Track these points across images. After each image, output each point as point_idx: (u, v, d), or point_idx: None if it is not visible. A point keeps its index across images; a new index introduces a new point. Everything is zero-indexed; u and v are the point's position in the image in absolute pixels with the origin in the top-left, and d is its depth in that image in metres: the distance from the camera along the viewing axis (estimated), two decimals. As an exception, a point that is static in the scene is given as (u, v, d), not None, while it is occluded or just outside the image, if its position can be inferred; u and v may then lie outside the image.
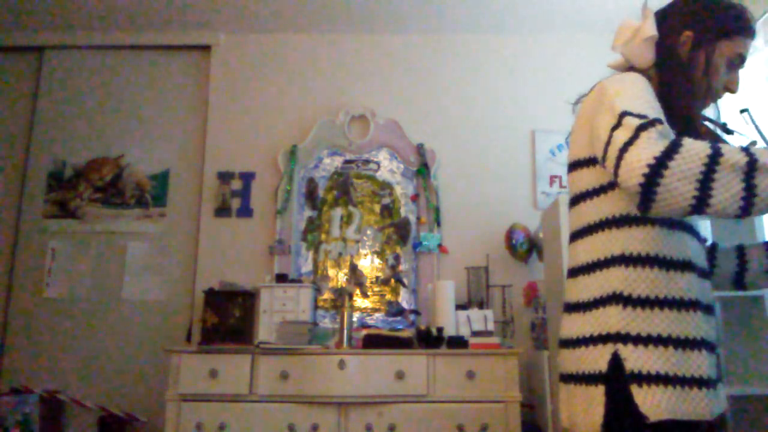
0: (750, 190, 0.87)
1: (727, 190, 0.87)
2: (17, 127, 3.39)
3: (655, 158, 0.88)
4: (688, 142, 0.90)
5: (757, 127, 1.19)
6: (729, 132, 1.18)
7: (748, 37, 1.15)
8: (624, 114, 0.97)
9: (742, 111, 1.25)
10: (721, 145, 0.90)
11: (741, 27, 1.14)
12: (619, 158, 0.93)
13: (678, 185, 0.87)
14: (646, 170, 0.88)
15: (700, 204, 0.88)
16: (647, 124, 0.93)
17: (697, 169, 0.87)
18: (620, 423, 0.96)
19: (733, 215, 0.88)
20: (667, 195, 0.88)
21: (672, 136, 0.94)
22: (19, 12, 3.24)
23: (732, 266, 1.27)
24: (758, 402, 2.47)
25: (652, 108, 1.00)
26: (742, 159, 0.88)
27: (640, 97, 1.02)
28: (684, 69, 1.13)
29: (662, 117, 1.00)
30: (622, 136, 0.94)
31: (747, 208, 0.88)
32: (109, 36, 3.44)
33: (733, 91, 1.17)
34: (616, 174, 0.94)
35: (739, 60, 1.15)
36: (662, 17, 1.19)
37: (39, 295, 3.14)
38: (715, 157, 0.88)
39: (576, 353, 1.05)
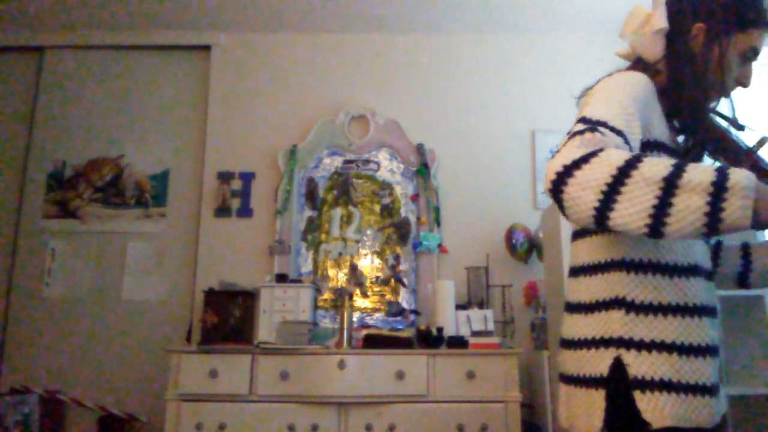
0: (662, 209, 0.78)
1: (633, 204, 0.80)
2: (17, 127, 3.39)
3: (564, 166, 0.86)
4: (606, 152, 0.84)
5: None
6: (740, 128, 1.13)
7: (764, 29, 1.09)
8: (580, 120, 0.95)
9: None
10: (645, 158, 0.83)
11: (757, 19, 1.08)
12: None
13: (581, 194, 0.83)
14: (554, 177, 0.86)
15: (600, 216, 0.83)
16: (579, 132, 0.89)
17: (603, 179, 0.82)
18: (621, 428, 0.95)
19: (639, 233, 0.81)
20: (571, 203, 0.85)
21: (605, 145, 0.88)
22: (19, 12, 3.24)
23: (737, 265, 1.24)
24: (758, 402, 2.47)
25: (626, 115, 0.95)
26: (660, 173, 0.80)
27: (616, 103, 0.97)
28: (696, 63, 1.08)
29: (631, 127, 0.95)
30: (561, 141, 0.92)
31: (655, 227, 0.79)
32: (109, 36, 3.44)
33: (745, 85, 1.13)
34: None
35: (752, 53, 1.10)
36: (673, 7, 1.13)
37: (39, 295, 3.13)
38: (626, 169, 0.81)
39: (577, 355, 1.04)
